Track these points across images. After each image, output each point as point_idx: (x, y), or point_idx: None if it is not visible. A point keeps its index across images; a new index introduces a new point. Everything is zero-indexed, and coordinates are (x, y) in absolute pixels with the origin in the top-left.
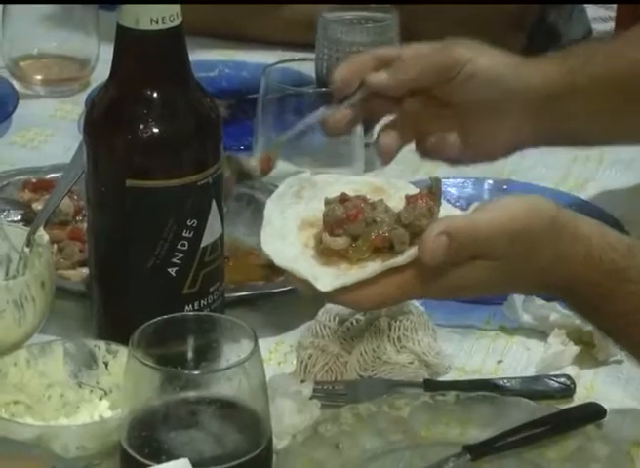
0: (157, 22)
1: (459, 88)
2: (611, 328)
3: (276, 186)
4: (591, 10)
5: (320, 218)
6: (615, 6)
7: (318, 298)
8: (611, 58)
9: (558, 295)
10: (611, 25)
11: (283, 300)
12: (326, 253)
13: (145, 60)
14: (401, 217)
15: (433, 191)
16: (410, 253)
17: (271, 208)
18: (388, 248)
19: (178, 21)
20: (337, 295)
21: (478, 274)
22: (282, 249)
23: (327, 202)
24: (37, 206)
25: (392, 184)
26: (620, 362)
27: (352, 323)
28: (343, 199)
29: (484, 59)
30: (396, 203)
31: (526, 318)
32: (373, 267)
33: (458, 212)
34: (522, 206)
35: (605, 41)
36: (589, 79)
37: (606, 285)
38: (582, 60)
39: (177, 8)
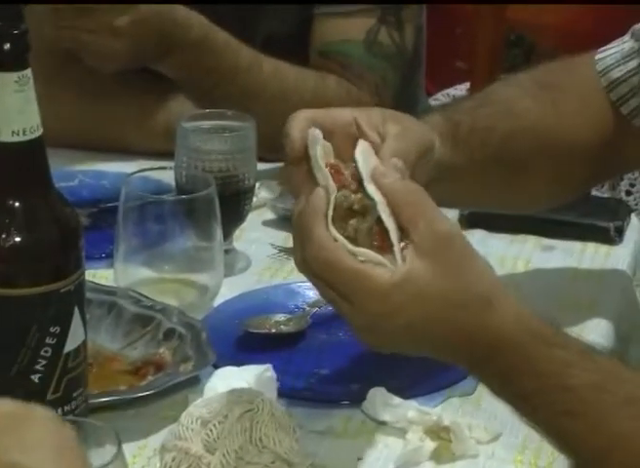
0: (18, 134)
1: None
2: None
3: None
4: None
5: None
6: None
7: None
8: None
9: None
10: None
11: (146, 405)
12: None
13: (7, 171)
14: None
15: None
16: None
17: None
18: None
19: (38, 133)
20: None
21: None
22: None
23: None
24: None
25: None
26: (475, 456)
27: (215, 425)
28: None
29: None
30: None
31: (385, 416)
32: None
33: None
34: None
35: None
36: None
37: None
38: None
39: (37, 120)
